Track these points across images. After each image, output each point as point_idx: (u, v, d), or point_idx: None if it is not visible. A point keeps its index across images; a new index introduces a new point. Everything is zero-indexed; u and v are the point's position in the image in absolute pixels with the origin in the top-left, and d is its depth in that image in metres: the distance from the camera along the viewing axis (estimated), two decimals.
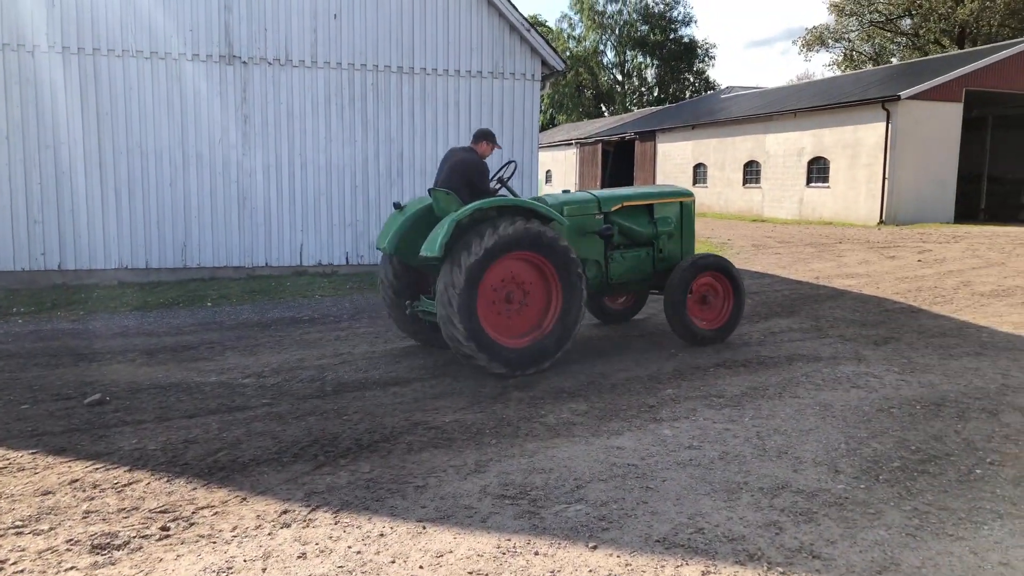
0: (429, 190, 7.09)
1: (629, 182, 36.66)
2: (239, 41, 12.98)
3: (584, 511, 4.02)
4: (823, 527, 3.82)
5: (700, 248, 16.66)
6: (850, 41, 51.06)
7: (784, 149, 27.28)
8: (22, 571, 3.45)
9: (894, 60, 47.55)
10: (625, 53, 62.95)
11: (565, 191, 8.47)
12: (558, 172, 44.05)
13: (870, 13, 47.44)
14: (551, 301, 6.77)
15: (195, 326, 9.23)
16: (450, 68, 14.17)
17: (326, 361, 7.39)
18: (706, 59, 63.38)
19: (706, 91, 59.32)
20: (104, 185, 12.46)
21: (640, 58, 63.23)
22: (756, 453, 4.81)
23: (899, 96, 22.41)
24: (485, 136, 7.35)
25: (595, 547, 3.63)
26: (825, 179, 25.58)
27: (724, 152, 30.66)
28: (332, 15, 13.40)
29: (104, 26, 12.26)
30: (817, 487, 4.29)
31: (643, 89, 64.93)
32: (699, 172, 32.49)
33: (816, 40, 50.12)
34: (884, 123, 22.89)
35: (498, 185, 7.47)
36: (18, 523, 3.93)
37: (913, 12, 45.28)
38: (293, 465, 4.72)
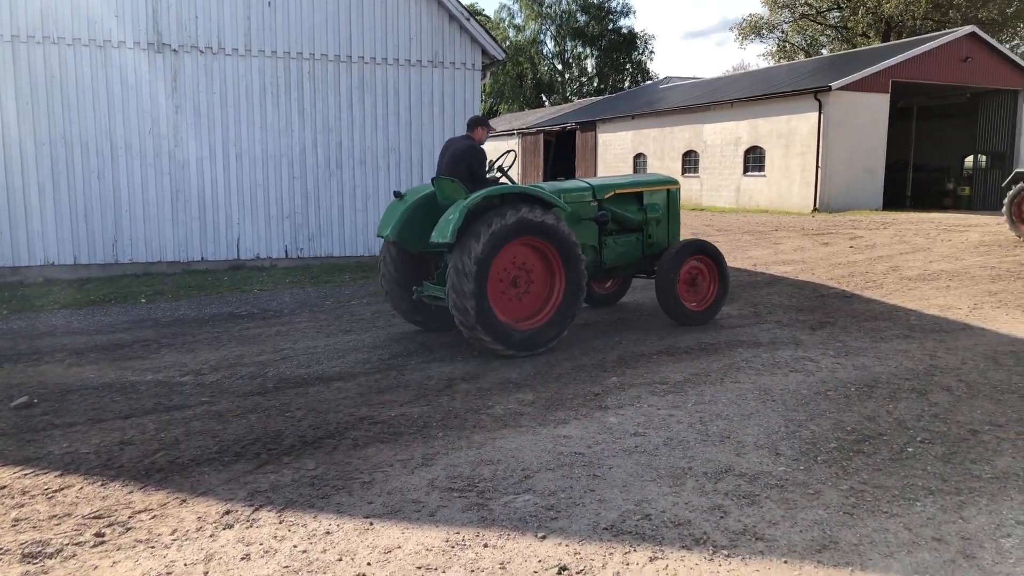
0: (432, 179, 7.35)
1: (571, 173, 36.87)
2: (168, 28, 12.55)
3: (532, 501, 4.03)
4: (765, 509, 3.91)
5: None
6: (783, 32, 52.31)
7: (721, 139, 27.81)
8: None
9: (824, 52, 48.91)
10: (565, 43, 63.21)
11: (559, 179, 8.77)
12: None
13: (801, 5, 48.67)
14: (554, 285, 7.08)
15: (128, 323, 8.91)
16: (388, 57, 13.98)
17: (266, 357, 7.23)
18: (645, 50, 64.11)
19: (645, 82, 60.03)
20: (26, 177, 11.91)
21: (580, 48, 63.59)
22: (700, 438, 4.90)
23: (830, 87, 23.07)
24: (479, 123, 7.64)
25: (544, 537, 3.64)
26: (761, 168, 26.20)
27: (663, 142, 31.09)
28: (266, 2, 13.06)
29: (23, 11, 11.69)
30: (759, 470, 4.39)
31: (583, 79, 65.33)
32: (639, 162, 32.89)
33: (752, 29, 51.18)
34: (816, 113, 23.55)
35: (498, 174, 7.75)
36: None
37: (842, 5, 46.62)
38: (235, 464, 4.60)
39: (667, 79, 42.92)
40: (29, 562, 3.47)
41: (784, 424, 5.14)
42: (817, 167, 23.68)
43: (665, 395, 5.80)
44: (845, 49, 42.43)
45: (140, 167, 12.54)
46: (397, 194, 7.76)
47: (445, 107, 14.45)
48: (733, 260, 13.43)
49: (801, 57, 47.36)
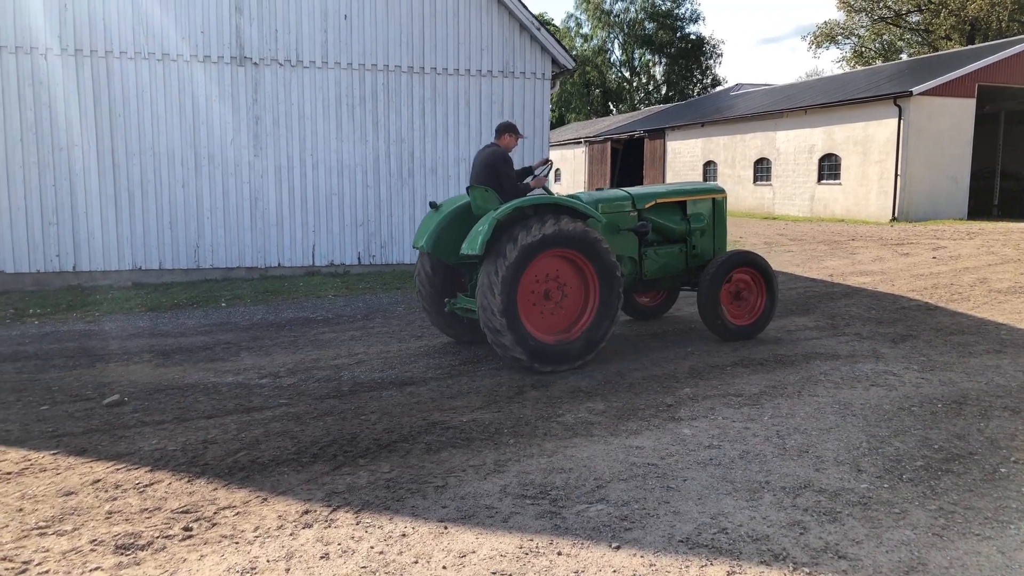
0: (467, 188, 7.24)
1: (638, 180, 36.58)
2: (250, 43, 13.02)
3: (606, 511, 4.01)
4: (848, 527, 3.79)
5: None
6: (860, 37, 50.80)
7: (795, 146, 27.16)
8: (47, 572, 3.46)
9: (903, 56, 47.26)
10: (633, 51, 62.83)
11: (598, 189, 8.58)
12: (567, 171, 44.00)
13: (880, 9, 47.17)
14: (589, 299, 6.87)
15: (209, 327, 9.25)
16: (460, 67, 14.17)
17: (341, 361, 7.39)
18: (714, 56, 63.18)
19: (715, 89, 59.14)
20: (117, 186, 12.51)
21: (648, 56, 63.10)
22: (777, 452, 4.79)
23: (911, 92, 22.27)
24: (507, 129, 7.42)
25: (618, 547, 3.61)
26: (836, 176, 25.46)
27: (734, 149, 30.55)
28: (343, 16, 13.42)
29: (116, 29, 12.31)
30: (840, 486, 4.26)
31: (651, 87, 64.79)
32: (709, 170, 32.39)
33: (826, 36, 49.87)
34: (896, 119, 22.75)
35: (533, 183, 7.50)
36: (41, 523, 3.95)
37: (923, 7, 44.99)
38: (313, 465, 4.72)
39: (738, 86, 42.18)
40: (122, 553, 3.63)
41: (866, 440, 4.98)
42: (896, 175, 22.87)
43: (740, 407, 5.69)
44: (926, 53, 40.88)
45: (221, 176, 13.03)
46: (433, 204, 7.62)
47: (515, 116, 14.54)
48: (808, 270, 13.09)
49: (879, 63, 45.84)
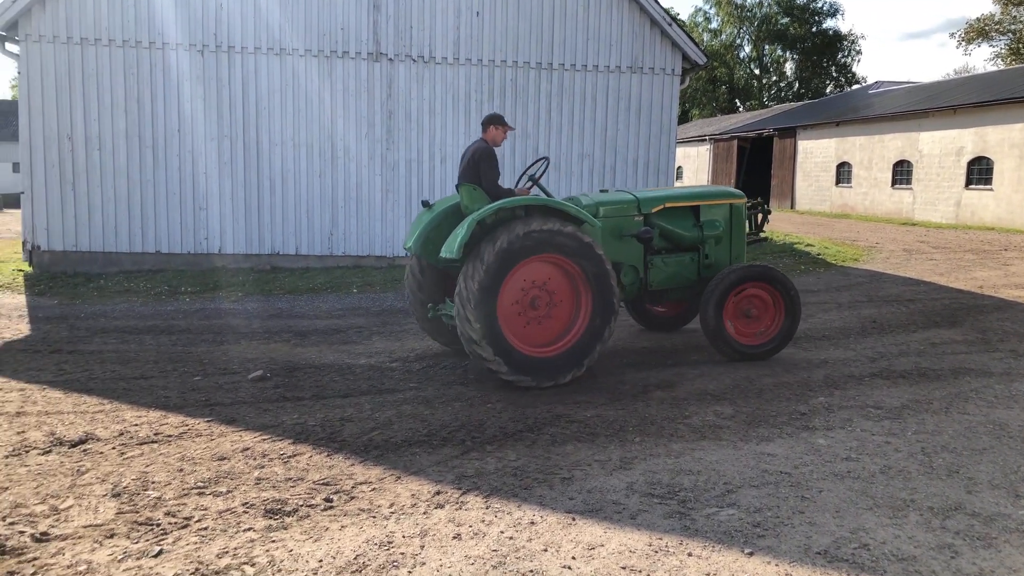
0: (456, 186, 6.76)
1: (766, 180, 35.33)
2: (386, 39, 13.49)
3: (737, 516, 3.91)
4: (1004, 554, 3.53)
5: (845, 252, 15.84)
6: (1016, 33, 46.86)
7: (940, 148, 25.41)
8: (206, 528, 3.74)
9: None
10: (763, 47, 60.62)
11: (603, 191, 7.96)
12: (689, 169, 43.05)
13: None
14: (580, 309, 6.32)
15: (343, 311, 9.69)
16: (588, 63, 14.14)
17: None
18: (852, 52, 60.01)
19: (851, 86, 56.19)
20: (260, 175, 13.29)
21: (779, 51, 60.70)
22: (923, 470, 4.52)
23: None
24: (492, 121, 6.78)
25: (751, 553, 3.52)
26: (988, 181, 23.63)
27: (871, 150, 28.93)
28: (475, 12, 13.67)
29: (263, 26, 13.06)
30: (995, 511, 3.97)
31: (781, 84, 62.31)
32: (843, 171, 30.83)
33: (978, 32, 46.31)
34: None
35: (529, 183, 7.05)
36: (200, 484, 4.27)
37: None
38: (442, 448, 4.87)
39: (877, 83, 39.88)
40: (271, 517, 3.88)
41: None
42: None
43: (880, 420, 5.41)
44: None
45: (356, 168, 13.59)
46: (425, 203, 7.11)
47: (642, 113, 14.38)
48: (953, 280, 12.24)
49: None
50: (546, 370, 6.13)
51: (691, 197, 7.49)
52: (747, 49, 61.72)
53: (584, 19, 14.04)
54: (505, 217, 6.13)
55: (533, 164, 7.23)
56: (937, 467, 4.56)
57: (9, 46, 12.56)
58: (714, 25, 61.18)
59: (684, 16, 66.47)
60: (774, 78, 62.70)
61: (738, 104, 62.26)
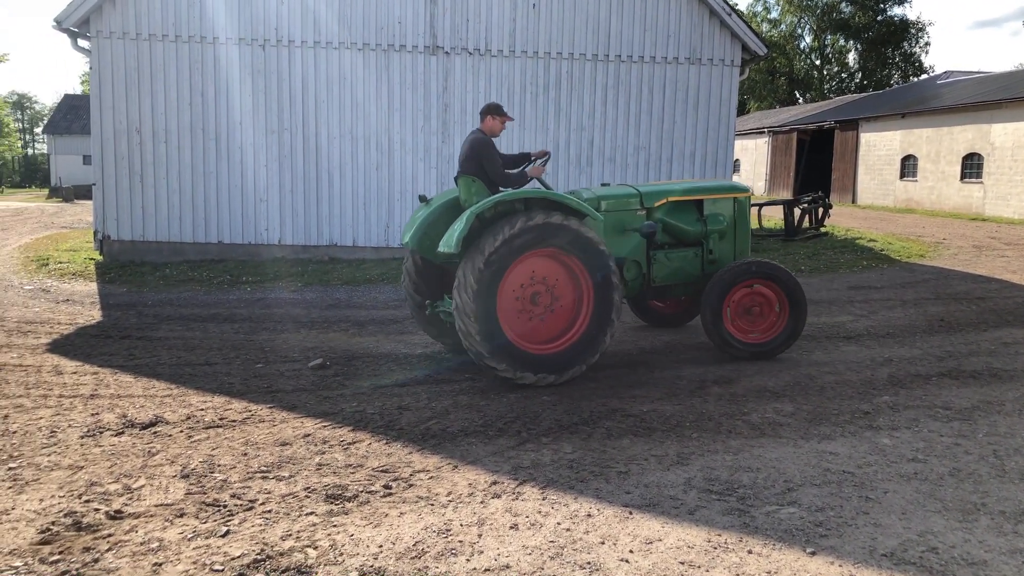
0: (455, 178, 6.62)
1: (827, 173, 34.45)
2: (442, 32, 13.56)
3: (798, 515, 3.84)
4: None
5: (910, 248, 15.36)
6: None
7: (1013, 141, 24.39)
8: (269, 511, 3.84)
9: None
10: (825, 36, 59.01)
11: (604, 184, 7.71)
12: (747, 162, 42.26)
13: None
14: (583, 306, 6.17)
15: (399, 302, 9.81)
16: (645, 55, 13.98)
17: None
18: (918, 41, 57.96)
19: (917, 76, 54.31)
20: (319, 168, 13.52)
21: (841, 41, 59.01)
22: (994, 473, 4.36)
23: None
24: (490, 111, 6.57)
25: (813, 553, 3.46)
26: None
27: (939, 143, 27.95)
28: (531, 4, 13.64)
29: (323, 20, 13.27)
30: None
31: (844, 75, 60.59)
32: (908, 165, 29.86)
33: None
34: None
35: (541, 162, 6.82)
36: (263, 468, 4.38)
37: None
38: (498, 439, 4.89)
39: (946, 73, 38.46)
40: (332, 502, 3.96)
41: None
42: None
43: (949, 421, 5.23)
44: None
45: (412, 161, 13.72)
46: (423, 198, 6.92)
47: (699, 105, 14.17)
48: None
49: None
50: (547, 367, 5.98)
51: (694, 191, 7.31)
52: (808, 39, 60.21)
53: (641, 10, 13.88)
54: (505, 210, 5.98)
55: (538, 156, 7.03)
56: (1010, 471, 4.40)
57: (81, 42, 13.04)
58: (774, 15, 59.85)
59: (742, 6, 65.09)
60: (836, 68, 61.03)
61: (798, 96, 60.81)
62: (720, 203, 7.31)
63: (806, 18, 58.35)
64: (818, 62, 61.08)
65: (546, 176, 8.01)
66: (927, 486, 4.19)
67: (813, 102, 52.01)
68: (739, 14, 14.50)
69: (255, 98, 13.25)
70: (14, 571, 3.24)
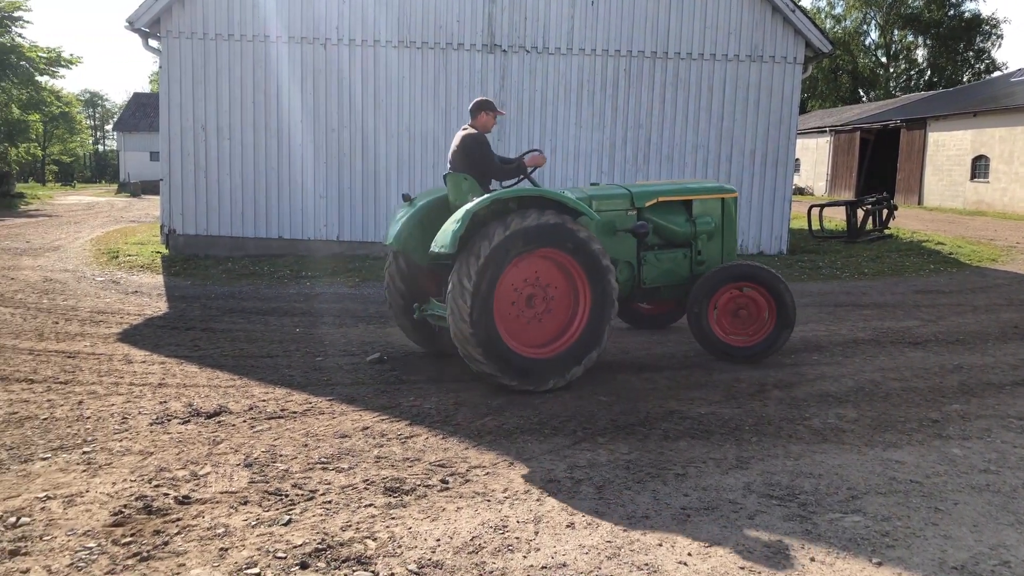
0: (444, 176, 6.44)
1: (891, 175, 33.44)
2: (500, 31, 13.60)
3: (863, 523, 3.74)
4: None
5: (981, 252, 14.81)
6: None
7: None
8: (330, 501, 3.91)
9: None
10: (892, 32, 57.26)
11: (593, 184, 7.55)
12: (807, 161, 41.31)
13: None
14: (578, 308, 5.97)
15: None
16: (705, 52, 13.79)
17: None
18: (992, 37, 55.78)
19: (990, 73, 52.27)
20: (376, 165, 13.71)
21: (909, 37, 57.17)
22: None
23: None
24: (483, 106, 6.43)
25: (879, 564, 3.36)
26: None
27: (1013, 143, 26.87)
28: (590, 1, 13.57)
29: (383, 20, 13.43)
30: None
31: (911, 72, 58.69)
32: (979, 166, 28.79)
33: None
34: None
35: (528, 160, 6.58)
36: (323, 459, 4.47)
37: None
38: (553, 437, 4.89)
39: (1020, 71, 36.94)
40: (390, 495, 4.01)
41: None
42: None
43: (1023, 433, 5.03)
44: None
45: None
46: (406, 197, 6.73)
47: (760, 103, 13.91)
48: None
49: None
50: (542, 372, 5.78)
51: (684, 191, 7.20)
52: (873, 35, 58.56)
53: (701, 7, 13.70)
54: (500, 209, 5.75)
55: (525, 155, 6.84)
56: None
57: (151, 42, 13.48)
58: (838, 10, 58.35)
59: (805, 2, 63.59)
60: (903, 66, 59.18)
61: (861, 94, 59.16)
62: (709, 204, 7.21)
63: (872, 13, 56.75)
64: (884, 59, 59.32)
65: (537, 174, 7.87)
66: (1000, 498, 4.04)
67: (878, 100, 50.54)
68: (803, 10, 14.17)
69: (315, 96, 13.51)
70: (88, 551, 3.37)
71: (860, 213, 16.39)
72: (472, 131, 6.32)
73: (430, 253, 5.96)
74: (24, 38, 33.08)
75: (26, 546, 3.41)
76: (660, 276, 6.93)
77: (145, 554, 3.35)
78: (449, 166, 6.40)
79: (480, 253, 5.51)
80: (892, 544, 3.54)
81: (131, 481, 4.12)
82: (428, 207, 6.54)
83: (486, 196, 5.75)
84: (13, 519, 3.64)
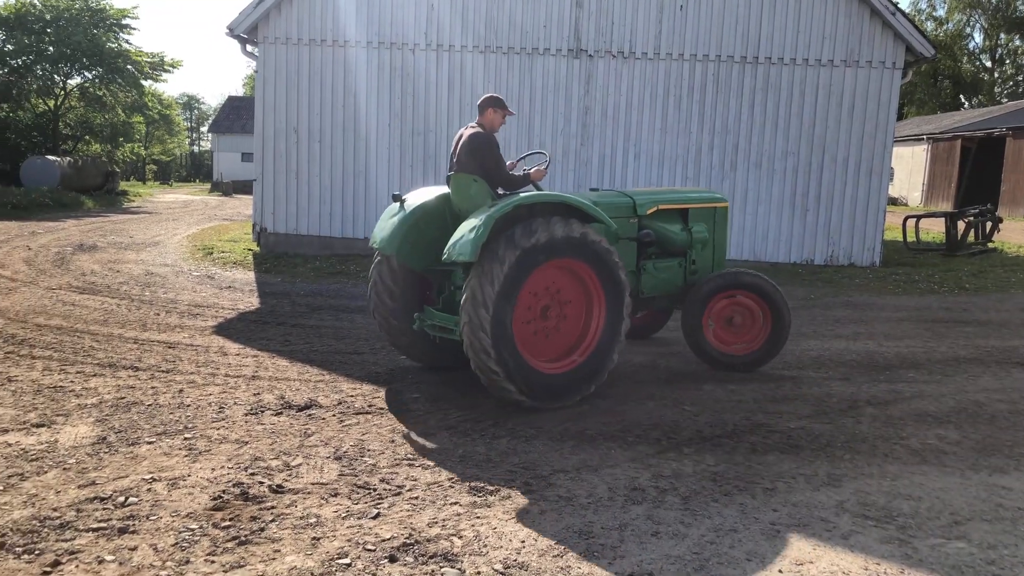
0: (448, 176, 5.95)
1: (995, 186, 31.72)
2: (587, 35, 13.57)
3: (967, 551, 3.56)
4: None
5: None
6: None
7: None
8: (416, 497, 3.98)
9: None
10: (998, 36, 54.36)
11: (593, 190, 7.09)
12: (901, 170, 39.61)
13: None
14: (592, 320, 5.69)
15: None
16: (798, 57, 13.41)
17: (655, 349, 7.47)
18: None
19: None
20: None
21: (1017, 41, 54.14)
22: None
23: None
24: (491, 103, 5.98)
25: None
26: None
27: None
28: (678, 6, 13.40)
29: (471, 25, 13.59)
30: None
31: (1019, 77, 55.57)
32: None
33: None
34: None
35: (544, 165, 6.28)
36: (409, 456, 4.55)
37: None
38: (637, 445, 4.84)
39: None
40: (475, 493, 4.05)
41: None
42: None
43: None
44: None
45: (550, 163, 13.80)
46: (397, 197, 6.20)
47: (855, 109, 13.42)
48: None
49: None
50: (555, 388, 5.49)
51: (680, 199, 7.09)
52: (977, 39, 55.74)
53: (795, 10, 13.33)
54: (520, 215, 5.39)
55: (529, 155, 6.68)
56: None
57: (249, 47, 14.04)
58: (939, 13, 55.77)
59: (904, 4, 61.14)
60: (1009, 71, 56.07)
61: (963, 100, 56.37)
62: (702, 212, 7.13)
63: (976, 16, 54.00)
64: (988, 63, 56.39)
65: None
66: None
67: (981, 107, 48.06)
68: (903, 13, 13.61)
69: (402, 101, 13.78)
70: (191, 532, 3.53)
71: (961, 225, 15.59)
72: (480, 130, 5.91)
73: (445, 260, 5.48)
74: (131, 44, 35.00)
75: (134, 524, 3.59)
76: (658, 285, 6.76)
77: (243, 538, 3.49)
78: (456, 166, 5.93)
79: (502, 263, 5.16)
80: (999, 573, 3.36)
81: (229, 468, 4.29)
82: (423, 210, 6.04)
83: (509, 201, 5.41)
84: (122, 498, 3.85)
